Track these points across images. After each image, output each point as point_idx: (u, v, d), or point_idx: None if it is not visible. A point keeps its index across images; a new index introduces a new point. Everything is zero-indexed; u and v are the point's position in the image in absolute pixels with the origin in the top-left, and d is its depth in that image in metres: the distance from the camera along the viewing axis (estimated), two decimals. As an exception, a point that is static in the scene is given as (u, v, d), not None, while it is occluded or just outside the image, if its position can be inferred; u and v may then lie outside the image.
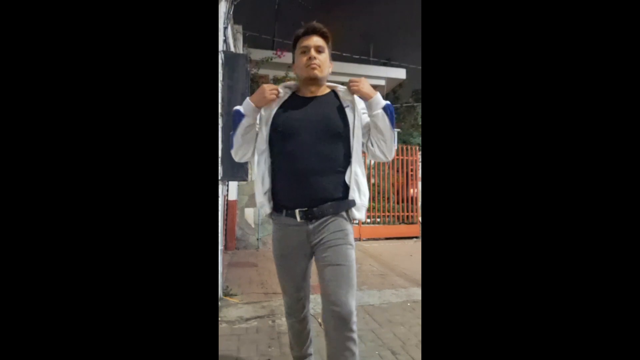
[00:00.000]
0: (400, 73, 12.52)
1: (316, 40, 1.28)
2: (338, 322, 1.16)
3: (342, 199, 1.25)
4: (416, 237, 6.50)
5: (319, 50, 1.28)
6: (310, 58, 1.26)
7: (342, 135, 1.26)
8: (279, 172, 1.26)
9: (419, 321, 2.36)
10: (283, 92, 1.30)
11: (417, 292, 3.04)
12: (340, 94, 1.32)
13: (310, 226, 1.24)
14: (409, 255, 4.83)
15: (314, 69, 1.27)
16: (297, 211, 1.24)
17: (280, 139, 1.25)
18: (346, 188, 1.25)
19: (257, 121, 1.31)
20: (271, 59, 5.92)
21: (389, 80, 12.44)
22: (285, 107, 1.29)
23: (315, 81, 1.30)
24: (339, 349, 1.17)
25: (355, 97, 1.31)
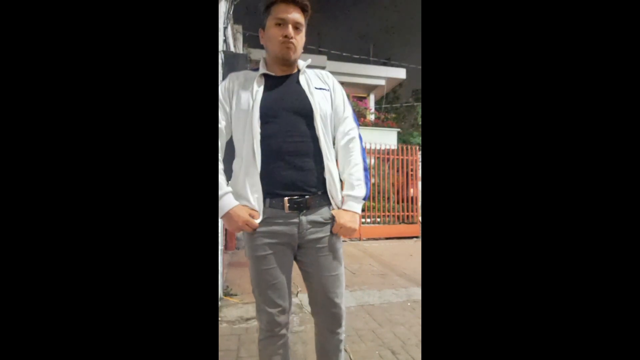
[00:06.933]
0: (400, 73, 12.53)
1: (295, 15, 1.08)
2: (334, 323, 1.17)
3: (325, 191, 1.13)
4: (416, 237, 6.51)
5: (297, 26, 1.10)
6: (286, 36, 1.08)
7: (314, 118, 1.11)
8: (263, 157, 1.08)
9: (419, 321, 2.36)
10: (257, 82, 1.13)
11: (417, 292, 3.05)
12: (313, 74, 1.19)
13: (303, 218, 1.09)
14: (409, 255, 4.83)
15: (289, 49, 1.10)
16: (285, 199, 1.07)
17: (262, 123, 1.09)
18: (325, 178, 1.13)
19: (230, 106, 1.14)
20: (271, 59, 5.89)
21: (389, 80, 12.46)
22: (264, 90, 1.13)
23: (288, 62, 1.14)
24: (332, 346, 1.19)
25: (332, 81, 1.21)
